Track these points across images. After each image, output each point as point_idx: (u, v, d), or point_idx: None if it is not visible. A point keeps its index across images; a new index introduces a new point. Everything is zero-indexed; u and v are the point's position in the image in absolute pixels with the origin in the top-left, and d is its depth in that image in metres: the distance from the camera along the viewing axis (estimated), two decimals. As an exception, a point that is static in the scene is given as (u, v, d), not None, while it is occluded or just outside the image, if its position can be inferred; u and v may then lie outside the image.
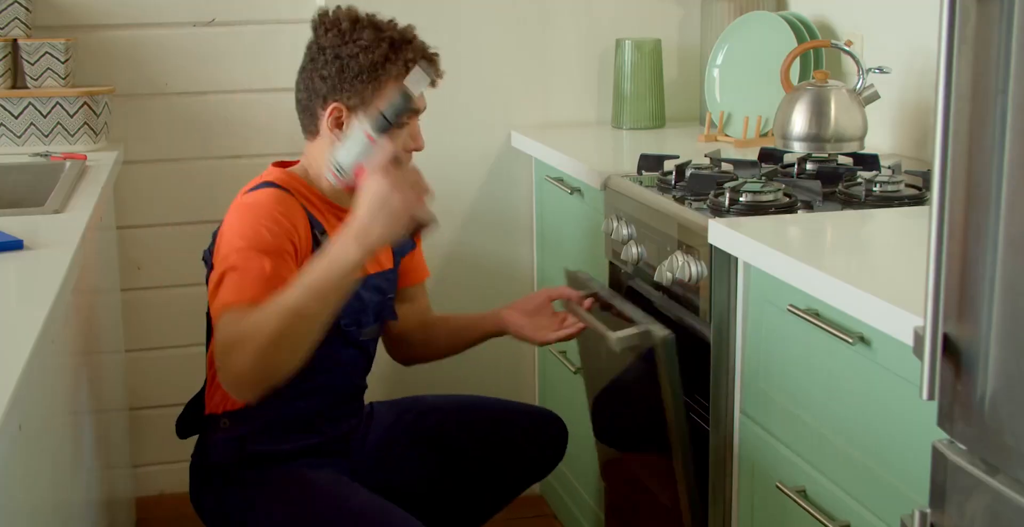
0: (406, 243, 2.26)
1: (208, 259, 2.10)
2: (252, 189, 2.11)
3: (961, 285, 1.19)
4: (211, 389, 2.16)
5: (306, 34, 2.99)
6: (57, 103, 2.75)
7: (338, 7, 2.14)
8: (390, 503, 2.08)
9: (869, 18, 2.62)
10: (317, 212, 2.11)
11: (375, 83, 2.08)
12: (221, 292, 1.95)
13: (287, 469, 2.13)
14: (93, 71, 2.92)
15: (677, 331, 2.05)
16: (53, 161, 2.64)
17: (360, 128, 1.99)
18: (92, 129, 2.78)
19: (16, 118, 2.74)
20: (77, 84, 2.84)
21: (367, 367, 2.26)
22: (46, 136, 2.75)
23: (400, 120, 2.03)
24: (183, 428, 2.25)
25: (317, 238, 2.06)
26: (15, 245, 1.84)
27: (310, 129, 2.16)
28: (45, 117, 2.75)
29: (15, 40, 2.79)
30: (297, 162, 2.21)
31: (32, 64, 2.75)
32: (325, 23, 2.12)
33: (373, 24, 2.11)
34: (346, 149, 1.99)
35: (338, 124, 2.10)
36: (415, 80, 2.01)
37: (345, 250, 1.86)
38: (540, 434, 2.38)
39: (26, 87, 2.78)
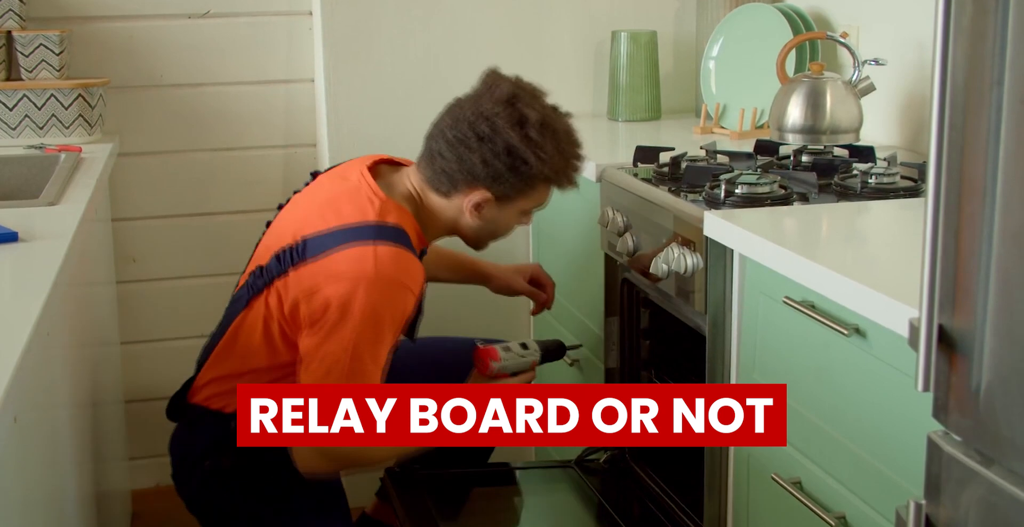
0: None
1: (280, 264, 2.07)
2: (383, 231, 2.03)
3: (956, 277, 1.19)
4: (215, 371, 2.17)
5: (301, 26, 3.01)
6: (52, 95, 2.74)
7: (524, 96, 2.08)
8: None
9: (865, 9, 2.62)
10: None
11: (532, 188, 2.12)
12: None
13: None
14: (88, 63, 2.92)
15: (674, 324, 2.05)
16: (48, 153, 2.63)
17: (532, 357, 2.33)
18: (87, 121, 2.77)
19: (11, 110, 2.74)
20: (72, 76, 2.83)
21: None
22: (41, 128, 2.75)
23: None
24: (175, 412, 2.26)
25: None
26: (10, 237, 1.84)
27: (441, 188, 2.12)
28: (40, 109, 2.74)
29: (9, 32, 2.78)
30: (398, 165, 2.22)
31: (27, 56, 2.75)
32: (513, 110, 2.05)
33: (554, 132, 2.08)
34: (514, 364, 2.30)
35: (478, 209, 2.12)
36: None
37: None
38: None
39: (21, 79, 2.77)
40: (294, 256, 2.05)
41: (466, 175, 2.08)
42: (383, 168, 2.21)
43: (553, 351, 2.41)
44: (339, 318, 1.99)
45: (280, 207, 2.32)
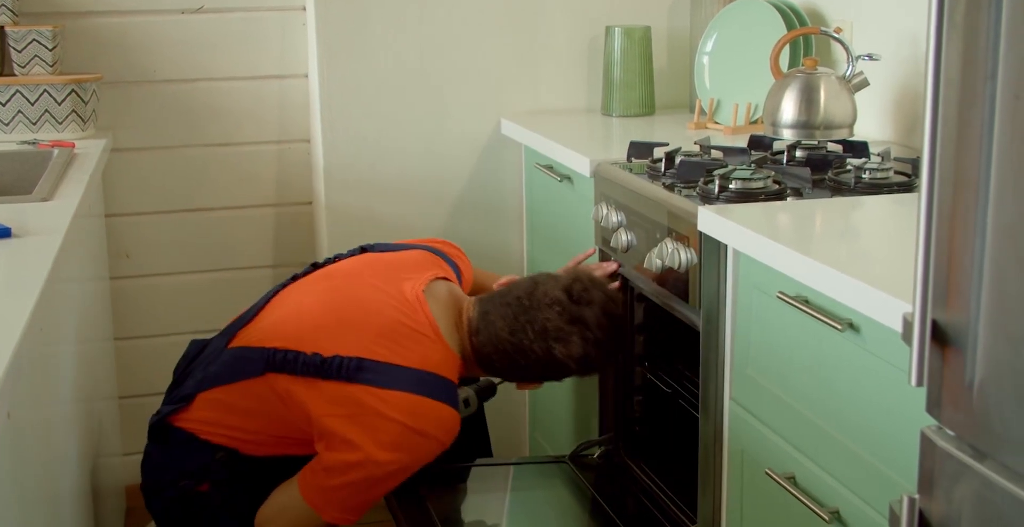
0: None
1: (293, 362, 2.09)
2: (439, 387, 2.10)
3: (949, 272, 1.19)
4: (208, 413, 2.17)
5: (295, 21, 3.01)
6: (45, 91, 2.74)
7: (595, 353, 2.18)
8: None
9: (858, 5, 2.62)
10: None
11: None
12: (334, 496, 2.09)
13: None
14: (81, 58, 2.91)
15: (668, 320, 2.05)
16: (41, 149, 2.63)
17: (470, 409, 2.38)
18: (80, 117, 2.77)
19: (3, 106, 2.73)
20: (65, 71, 2.83)
21: None
22: (34, 124, 2.74)
23: None
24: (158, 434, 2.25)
25: None
26: (3, 233, 1.84)
27: (492, 367, 2.22)
28: (33, 105, 2.74)
29: (2, 27, 2.77)
30: (448, 280, 2.29)
31: (19, 51, 2.74)
32: (584, 363, 2.18)
33: (607, 362, 2.25)
34: (482, 391, 2.40)
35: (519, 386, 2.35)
36: None
37: None
38: None
39: (13, 74, 2.77)
40: (342, 370, 2.07)
41: (518, 377, 2.26)
42: (436, 287, 2.24)
43: (487, 391, 2.44)
44: (371, 461, 2.06)
45: (315, 266, 2.32)
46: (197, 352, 2.27)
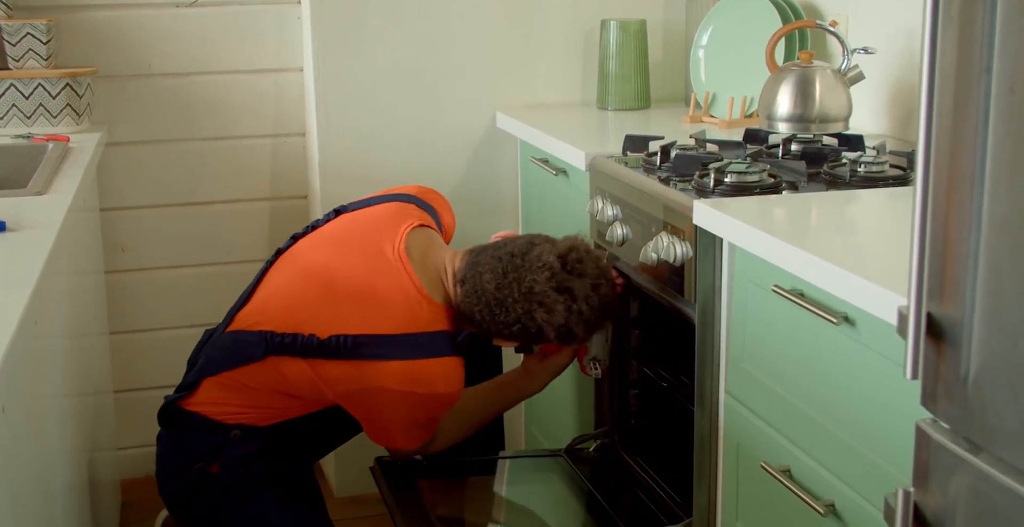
0: None
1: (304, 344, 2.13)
2: (437, 343, 2.14)
3: (944, 265, 1.19)
4: (216, 395, 2.18)
5: (290, 15, 3.00)
6: (39, 84, 2.73)
7: (579, 314, 2.15)
8: None
9: (854, -2, 2.62)
10: None
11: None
12: (400, 441, 2.26)
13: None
14: (75, 52, 2.91)
15: (664, 314, 2.04)
16: (35, 143, 2.62)
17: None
18: (75, 110, 2.76)
19: (-2, 99, 2.73)
20: (59, 65, 2.82)
21: None
22: (28, 118, 2.74)
23: None
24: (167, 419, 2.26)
25: None
26: (-3, 227, 1.84)
27: (472, 319, 2.19)
28: (27, 98, 2.73)
29: (-4, 21, 2.77)
30: (426, 226, 2.29)
31: (13, 45, 2.73)
32: (567, 331, 2.16)
33: (587, 330, 2.20)
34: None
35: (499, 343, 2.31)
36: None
37: (531, 390, 2.42)
38: None
39: (7, 68, 2.76)
40: (341, 349, 2.10)
41: (495, 332, 2.20)
42: (416, 238, 2.24)
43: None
44: (400, 422, 2.19)
45: (295, 237, 2.32)
46: (206, 340, 2.29)
